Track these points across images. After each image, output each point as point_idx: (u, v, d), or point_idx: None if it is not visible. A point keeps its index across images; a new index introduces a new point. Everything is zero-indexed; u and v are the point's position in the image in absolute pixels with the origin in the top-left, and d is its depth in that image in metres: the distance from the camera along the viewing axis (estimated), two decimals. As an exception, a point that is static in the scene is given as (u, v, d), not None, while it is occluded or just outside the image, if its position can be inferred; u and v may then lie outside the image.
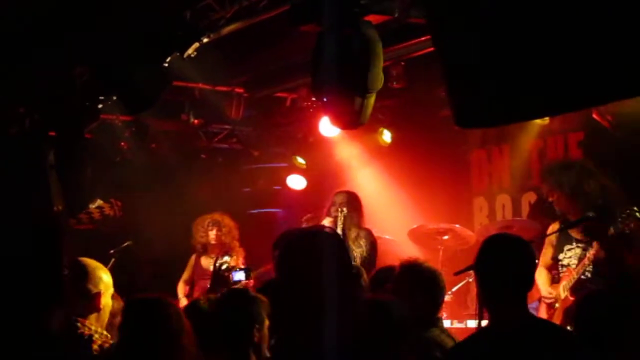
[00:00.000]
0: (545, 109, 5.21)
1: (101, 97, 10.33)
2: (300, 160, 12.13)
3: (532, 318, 4.81)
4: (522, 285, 4.65)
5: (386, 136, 11.30)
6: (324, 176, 12.00)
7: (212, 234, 10.68)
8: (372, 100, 7.23)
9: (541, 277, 8.34)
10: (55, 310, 3.48)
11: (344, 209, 9.39)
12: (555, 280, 8.40)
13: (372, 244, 9.41)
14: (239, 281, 7.15)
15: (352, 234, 9.34)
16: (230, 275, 7.09)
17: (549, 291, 8.30)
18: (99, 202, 9.64)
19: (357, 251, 9.19)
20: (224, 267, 7.24)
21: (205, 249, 10.76)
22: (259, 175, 13.36)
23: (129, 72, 8.77)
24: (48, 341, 3.39)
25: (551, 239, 8.47)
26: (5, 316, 3.33)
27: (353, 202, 9.55)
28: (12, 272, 3.38)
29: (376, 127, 11.17)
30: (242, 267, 7.63)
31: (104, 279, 5.37)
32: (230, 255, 10.51)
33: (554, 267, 8.46)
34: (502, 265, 4.64)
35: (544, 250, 8.53)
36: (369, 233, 9.47)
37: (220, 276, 7.13)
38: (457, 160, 12.10)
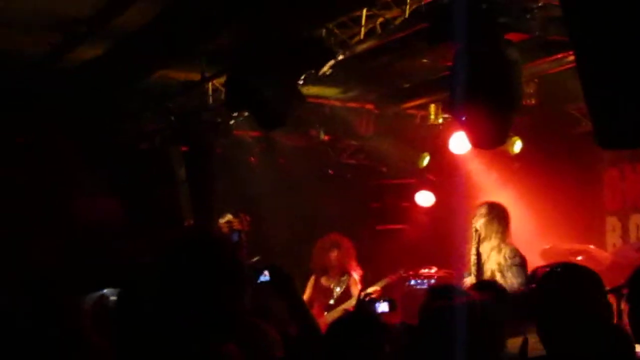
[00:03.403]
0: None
1: (234, 114, 10.44)
2: (426, 159, 12.02)
3: None
4: None
5: (516, 146, 11.07)
6: (452, 193, 11.87)
7: (333, 255, 10.69)
8: (512, 119, 7.14)
9: None
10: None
11: (477, 226, 9.06)
12: None
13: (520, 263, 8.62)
14: (383, 313, 7.03)
15: (493, 242, 8.80)
16: (374, 307, 6.98)
17: None
18: (229, 216, 9.69)
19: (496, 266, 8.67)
20: (367, 298, 7.17)
21: (325, 270, 10.79)
22: (387, 191, 13.30)
23: (264, 89, 8.84)
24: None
25: None
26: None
27: (492, 211, 8.99)
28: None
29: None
30: (386, 298, 7.52)
31: None
32: (349, 274, 10.55)
33: None
34: None
35: None
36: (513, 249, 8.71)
37: (364, 307, 7.04)
38: (589, 178, 11.84)
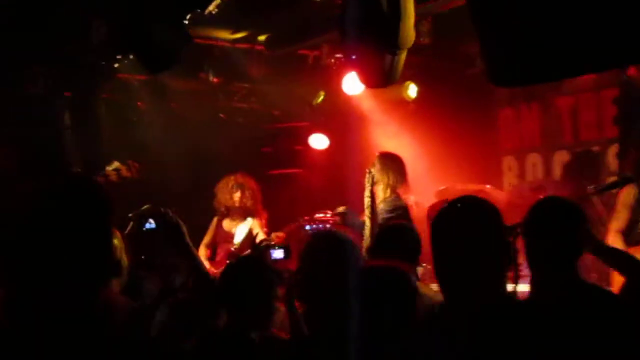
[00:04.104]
0: (582, 68, 5.18)
1: (118, 56, 10.12)
2: (321, 97, 11.85)
3: (586, 284, 4.73)
4: (577, 249, 4.65)
5: (411, 90, 11.06)
6: (346, 135, 11.72)
7: (236, 196, 10.46)
8: (402, 58, 7.00)
9: (617, 242, 7.46)
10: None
11: (371, 169, 9.04)
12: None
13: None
14: (278, 259, 6.92)
15: (384, 190, 8.97)
16: (269, 253, 6.86)
17: None
18: (116, 163, 9.39)
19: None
20: (263, 244, 7.01)
21: (228, 212, 10.54)
22: (280, 134, 13.15)
23: (148, 30, 8.53)
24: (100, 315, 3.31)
25: (626, 201, 7.68)
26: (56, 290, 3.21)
27: (385, 162, 9.08)
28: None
29: (402, 83, 10.93)
30: (282, 245, 7.41)
31: (115, 243, 5.23)
32: (253, 218, 10.33)
33: (632, 232, 7.66)
34: (557, 228, 4.62)
35: (617, 215, 7.74)
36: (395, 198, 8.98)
37: (259, 253, 6.91)
38: (485, 118, 11.86)
